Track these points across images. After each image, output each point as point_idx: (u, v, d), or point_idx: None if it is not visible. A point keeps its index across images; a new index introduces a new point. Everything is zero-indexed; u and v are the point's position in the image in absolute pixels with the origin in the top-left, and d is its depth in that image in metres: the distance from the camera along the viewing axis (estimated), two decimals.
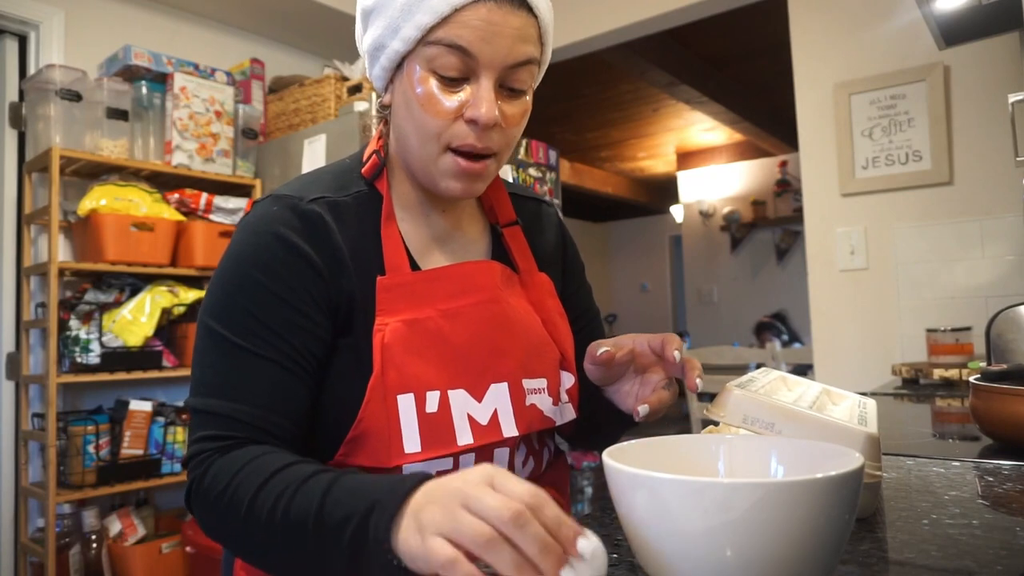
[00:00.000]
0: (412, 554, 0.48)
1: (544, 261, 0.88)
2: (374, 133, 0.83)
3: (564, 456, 0.89)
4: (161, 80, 2.53)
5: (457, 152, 0.71)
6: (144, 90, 2.48)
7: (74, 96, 2.28)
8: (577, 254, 0.97)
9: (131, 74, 2.48)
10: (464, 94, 0.70)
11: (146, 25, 2.77)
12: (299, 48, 3.27)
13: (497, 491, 0.46)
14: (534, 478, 0.82)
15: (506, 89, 0.72)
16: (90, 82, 2.35)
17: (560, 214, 1.02)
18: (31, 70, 2.49)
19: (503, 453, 0.75)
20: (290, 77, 2.92)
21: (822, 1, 2.42)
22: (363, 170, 0.79)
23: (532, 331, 0.79)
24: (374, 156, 0.79)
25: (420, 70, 0.70)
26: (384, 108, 0.78)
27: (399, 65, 0.72)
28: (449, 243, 0.81)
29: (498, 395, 0.75)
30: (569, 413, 0.82)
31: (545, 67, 0.77)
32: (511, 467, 0.76)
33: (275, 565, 0.60)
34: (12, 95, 2.50)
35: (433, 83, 0.69)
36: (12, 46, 2.52)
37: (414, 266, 0.77)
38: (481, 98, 0.69)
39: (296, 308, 0.69)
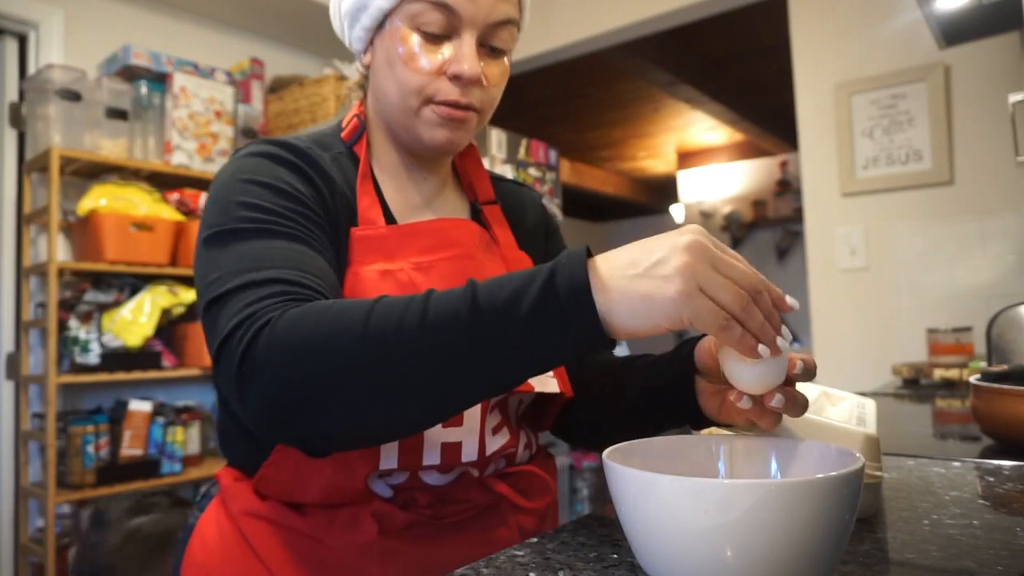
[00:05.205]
0: (654, 300, 0.48)
1: (524, 241, 0.86)
2: (354, 103, 0.82)
3: (552, 458, 0.86)
4: (160, 80, 2.53)
5: (439, 104, 0.71)
6: (144, 90, 2.48)
7: (74, 96, 2.28)
8: (558, 233, 0.95)
9: (130, 74, 2.48)
10: (447, 51, 0.70)
11: (145, 25, 2.77)
12: (299, 48, 3.26)
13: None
14: (512, 471, 0.77)
15: (487, 48, 0.73)
16: (89, 82, 2.35)
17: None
18: (31, 70, 2.49)
19: (473, 411, 0.71)
20: (290, 77, 2.92)
21: (822, 1, 2.42)
22: (343, 134, 0.78)
23: None
24: (354, 119, 0.79)
25: (403, 27, 0.70)
26: (364, 69, 0.78)
27: (381, 24, 0.72)
28: (431, 209, 0.80)
29: None
30: (551, 385, 0.76)
31: (522, 31, 0.77)
32: (481, 429, 0.71)
33: (400, 388, 0.52)
34: (12, 95, 2.50)
35: (416, 40, 0.70)
36: (12, 46, 2.52)
37: (391, 222, 0.75)
38: (464, 54, 0.69)
39: (303, 202, 0.67)
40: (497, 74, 0.74)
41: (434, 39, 0.70)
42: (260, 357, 0.53)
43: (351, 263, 0.70)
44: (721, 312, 0.48)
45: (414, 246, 0.72)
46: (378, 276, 0.69)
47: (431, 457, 0.68)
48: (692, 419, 0.69)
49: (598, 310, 0.49)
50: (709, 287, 0.48)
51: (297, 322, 0.53)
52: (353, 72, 0.83)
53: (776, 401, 0.54)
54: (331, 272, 0.65)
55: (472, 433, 0.70)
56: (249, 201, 0.65)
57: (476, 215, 0.85)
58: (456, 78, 0.70)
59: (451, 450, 0.69)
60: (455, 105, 0.71)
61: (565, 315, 0.49)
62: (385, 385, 0.52)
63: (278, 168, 0.69)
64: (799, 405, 0.56)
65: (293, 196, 0.67)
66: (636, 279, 0.49)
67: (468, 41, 0.70)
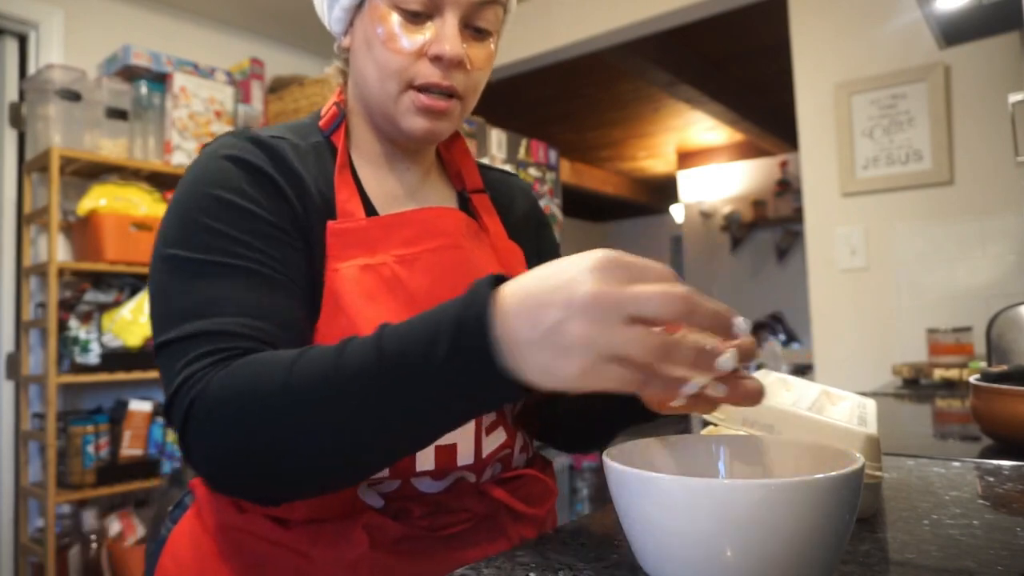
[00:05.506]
0: (555, 374, 0.43)
1: (514, 230, 0.83)
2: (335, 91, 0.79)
3: (550, 463, 0.83)
4: (160, 80, 2.53)
5: (420, 90, 0.68)
6: (144, 90, 2.48)
7: (74, 96, 2.28)
8: (550, 226, 0.92)
9: (131, 74, 2.48)
10: (428, 32, 0.67)
11: (145, 25, 2.77)
12: (299, 48, 3.27)
13: (638, 281, 0.43)
14: (510, 476, 0.73)
15: (471, 29, 0.70)
16: (90, 82, 2.35)
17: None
18: (31, 70, 2.50)
19: None
20: (290, 77, 2.92)
21: (822, 1, 2.42)
22: (321, 123, 0.75)
23: None
24: (333, 108, 0.75)
25: (382, 5, 0.68)
26: (343, 51, 0.75)
27: (360, 4, 0.70)
28: (414, 199, 0.77)
29: None
30: None
31: (511, 14, 0.75)
32: (477, 429, 0.68)
33: (326, 440, 0.50)
34: (12, 95, 2.50)
35: (396, 20, 0.67)
36: (12, 46, 2.52)
37: (372, 215, 0.72)
38: (445, 35, 0.67)
39: (267, 221, 0.63)
40: (482, 57, 0.70)
41: (415, 18, 0.67)
42: (196, 426, 0.54)
43: (329, 259, 0.66)
44: (631, 374, 0.42)
45: (396, 238, 0.69)
46: (358, 272, 0.66)
47: (425, 462, 0.65)
48: (638, 415, 0.68)
49: (510, 373, 0.45)
50: (614, 350, 0.41)
51: (225, 384, 0.53)
52: None
53: (711, 389, 0.48)
54: (290, 306, 0.62)
55: (467, 434, 0.67)
56: (211, 225, 0.62)
57: (464, 204, 0.81)
58: (437, 59, 0.67)
59: (446, 453, 0.65)
60: (436, 88, 0.68)
61: (475, 375, 0.46)
62: (315, 435, 0.50)
63: (244, 179, 0.65)
64: (750, 394, 0.48)
65: (258, 216, 0.63)
66: (535, 347, 0.43)
67: (451, 21, 0.67)
